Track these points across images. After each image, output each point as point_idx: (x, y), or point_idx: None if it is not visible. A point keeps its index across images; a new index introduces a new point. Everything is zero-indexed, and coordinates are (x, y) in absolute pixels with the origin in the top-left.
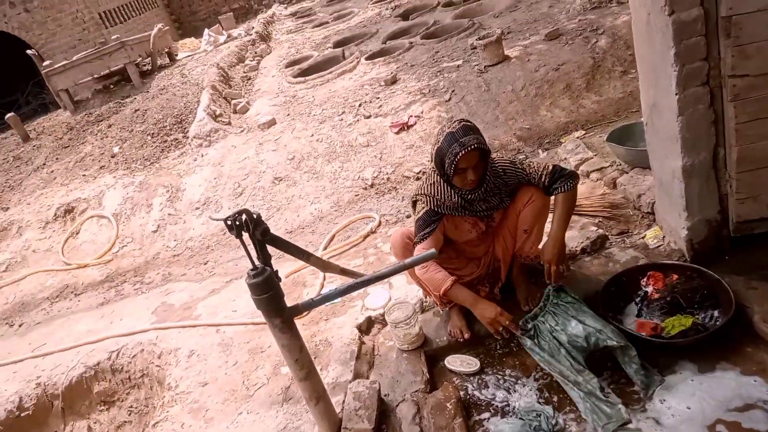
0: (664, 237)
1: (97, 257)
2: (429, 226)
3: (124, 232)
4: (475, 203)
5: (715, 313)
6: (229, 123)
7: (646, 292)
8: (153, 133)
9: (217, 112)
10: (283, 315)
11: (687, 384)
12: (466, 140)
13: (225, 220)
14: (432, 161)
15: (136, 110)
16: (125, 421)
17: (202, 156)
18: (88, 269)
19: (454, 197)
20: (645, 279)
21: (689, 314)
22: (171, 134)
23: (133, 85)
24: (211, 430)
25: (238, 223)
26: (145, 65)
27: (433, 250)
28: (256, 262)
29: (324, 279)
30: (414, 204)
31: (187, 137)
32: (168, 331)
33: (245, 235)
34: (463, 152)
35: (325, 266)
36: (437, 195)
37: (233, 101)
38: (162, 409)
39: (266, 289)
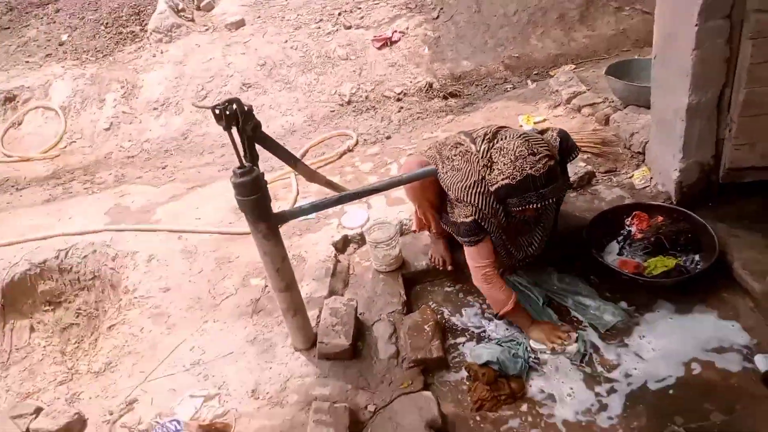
0: (651, 178)
1: (43, 151)
2: (476, 234)
3: (73, 127)
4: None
5: (696, 257)
6: (192, 20)
7: (630, 231)
8: (107, 23)
9: (180, 6)
10: (270, 221)
11: (666, 322)
12: (546, 193)
13: (213, 108)
14: (490, 179)
15: None
16: (72, 324)
17: (162, 53)
18: (31, 163)
19: (501, 214)
20: (630, 218)
21: (672, 256)
22: (127, 26)
23: None
24: (174, 336)
25: (228, 113)
26: None
27: (433, 167)
28: (244, 161)
29: (297, 194)
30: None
31: (146, 31)
32: (123, 233)
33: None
34: (538, 206)
35: (311, 175)
36: (484, 209)
37: None
38: (118, 311)
39: (254, 190)
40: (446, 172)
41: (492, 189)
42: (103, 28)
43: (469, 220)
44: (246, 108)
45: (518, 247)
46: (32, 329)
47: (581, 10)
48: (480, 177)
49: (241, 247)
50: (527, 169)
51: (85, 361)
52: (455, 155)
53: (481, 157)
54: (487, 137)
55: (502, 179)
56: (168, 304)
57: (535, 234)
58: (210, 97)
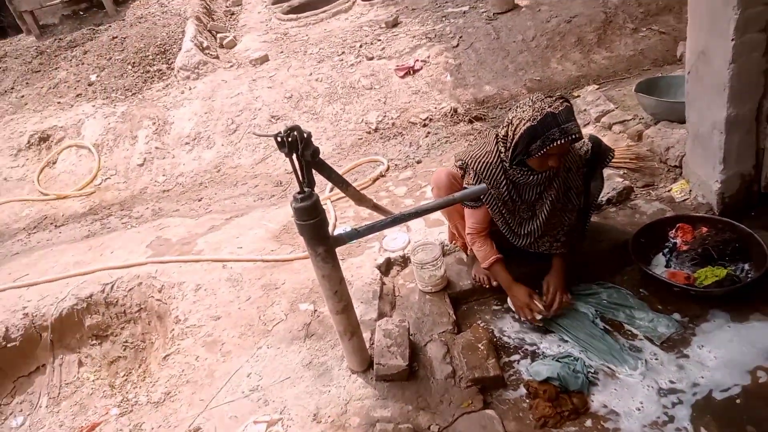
0: (690, 190)
1: (78, 188)
2: (474, 201)
3: (107, 164)
4: (526, 190)
5: (746, 266)
6: (217, 57)
7: (675, 243)
8: (134, 63)
9: (204, 44)
10: (327, 243)
11: (723, 330)
12: (568, 127)
13: (275, 136)
14: (510, 134)
15: (113, 38)
16: (119, 357)
17: (190, 89)
18: (68, 201)
19: (503, 188)
20: (673, 231)
21: (720, 266)
22: (154, 65)
23: (106, 13)
24: (230, 363)
25: (290, 139)
26: None
27: (483, 185)
28: (303, 186)
29: (336, 221)
30: (463, 168)
31: (172, 69)
32: (167, 265)
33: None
34: (562, 141)
35: (360, 199)
36: (487, 179)
37: (219, 35)
38: (172, 342)
39: (314, 214)
40: (464, 152)
41: (516, 136)
42: (130, 67)
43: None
44: (305, 135)
45: (521, 222)
46: (80, 363)
47: (599, 33)
48: (493, 147)
49: (286, 274)
50: (546, 108)
51: (144, 391)
52: (474, 139)
53: (500, 128)
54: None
55: (524, 124)
56: (220, 331)
57: (543, 206)
58: (240, 130)
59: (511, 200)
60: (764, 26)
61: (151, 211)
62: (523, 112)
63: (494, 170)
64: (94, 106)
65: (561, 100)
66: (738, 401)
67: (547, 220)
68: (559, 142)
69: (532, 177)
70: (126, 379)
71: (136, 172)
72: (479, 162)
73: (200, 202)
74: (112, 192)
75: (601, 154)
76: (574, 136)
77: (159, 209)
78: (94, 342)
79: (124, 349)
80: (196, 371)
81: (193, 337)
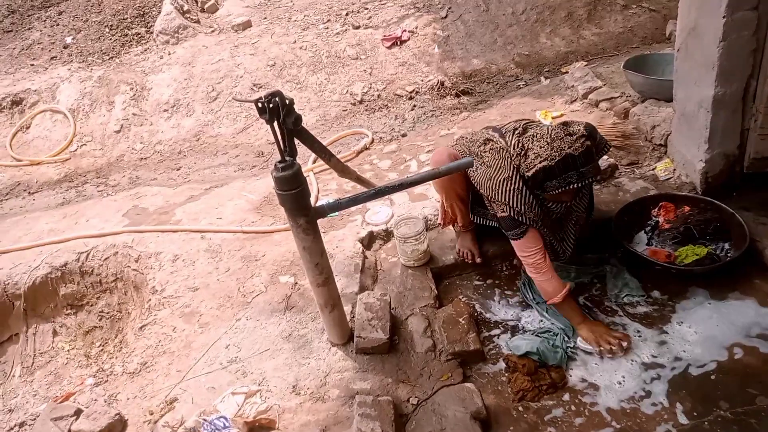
0: (674, 170)
1: (53, 155)
2: (518, 227)
3: (83, 129)
4: (553, 211)
5: (726, 246)
6: (198, 21)
7: (657, 221)
8: (112, 26)
9: (185, 8)
10: (309, 214)
11: (704, 307)
12: (586, 171)
13: (256, 102)
14: (524, 167)
15: None
16: (95, 326)
17: (170, 54)
18: (42, 167)
19: (536, 208)
20: (656, 209)
21: (701, 245)
22: (132, 28)
23: None
24: (208, 335)
25: (272, 106)
26: None
27: (471, 158)
28: (284, 155)
29: (318, 192)
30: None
31: (151, 32)
32: (144, 234)
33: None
34: (579, 185)
35: (343, 170)
36: (516, 207)
37: None
38: (149, 312)
39: (295, 184)
40: (476, 169)
41: (529, 174)
42: (107, 30)
43: (505, 215)
44: (287, 101)
45: (558, 240)
46: (55, 333)
47: (588, 8)
48: (512, 172)
49: (266, 246)
50: (566, 149)
51: (119, 361)
52: (485, 151)
53: (513, 149)
54: (517, 131)
55: (540, 162)
56: (198, 303)
57: (567, 228)
58: (221, 98)
59: (546, 217)
60: (756, 4)
61: (128, 179)
62: (540, 147)
63: (524, 196)
64: (69, 69)
65: (583, 139)
66: (713, 377)
67: (573, 239)
68: (575, 186)
69: (553, 205)
70: (102, 349)
71: (113, 139)
72: (505, 192)
73: (179, 171)
74: (88, 159)
75: (597, 146)
76: (590, 180)
77: (136, 178)
78: (69, 311)
79: (100, 319)
80: (173, 342)
81: (170, 307)
